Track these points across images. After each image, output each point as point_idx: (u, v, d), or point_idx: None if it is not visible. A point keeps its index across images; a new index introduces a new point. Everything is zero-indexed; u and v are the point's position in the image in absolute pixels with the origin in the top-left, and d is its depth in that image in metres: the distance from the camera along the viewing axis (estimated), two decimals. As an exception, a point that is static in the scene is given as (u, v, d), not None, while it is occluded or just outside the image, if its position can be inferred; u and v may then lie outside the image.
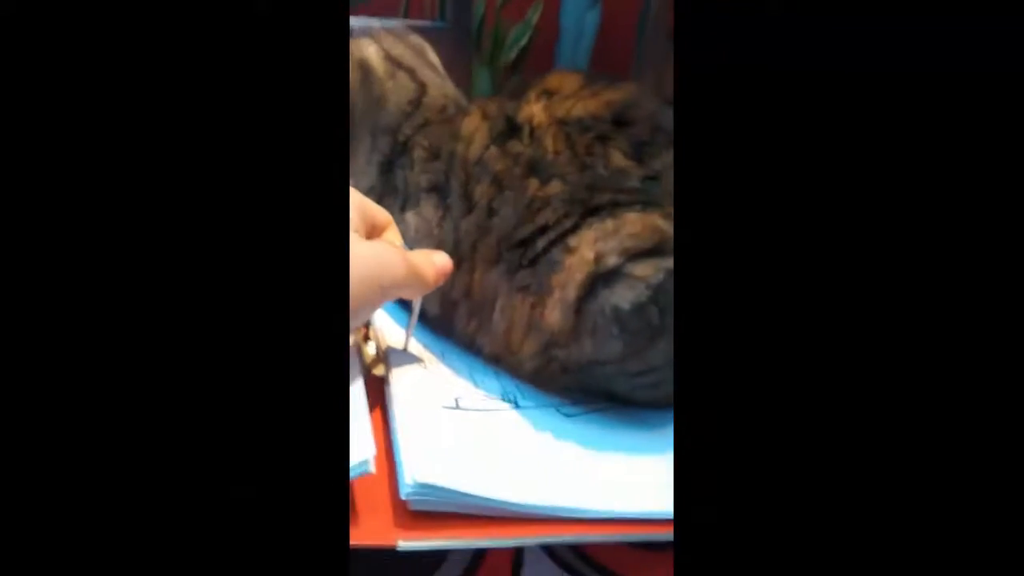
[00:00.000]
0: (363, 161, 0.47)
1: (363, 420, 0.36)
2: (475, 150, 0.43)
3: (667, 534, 0.35)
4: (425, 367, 0.44)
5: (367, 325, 0.45)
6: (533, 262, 0.41)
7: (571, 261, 0.39)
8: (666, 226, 0.38)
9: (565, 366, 0.42)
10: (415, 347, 0.46)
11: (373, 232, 0.41)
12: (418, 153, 0.45)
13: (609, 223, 0.39)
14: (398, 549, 0.33)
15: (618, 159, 0.39)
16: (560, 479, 0.37)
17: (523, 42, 1.02)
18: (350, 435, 0.34)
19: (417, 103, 0.47)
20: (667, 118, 0.41)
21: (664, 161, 0.40)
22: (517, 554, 0.38)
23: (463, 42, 0.84)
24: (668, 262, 0.38)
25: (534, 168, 0.41)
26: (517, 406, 0.43)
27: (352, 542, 0.32)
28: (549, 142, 0.41)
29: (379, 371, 0.42)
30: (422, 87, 0.47)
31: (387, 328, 0.48)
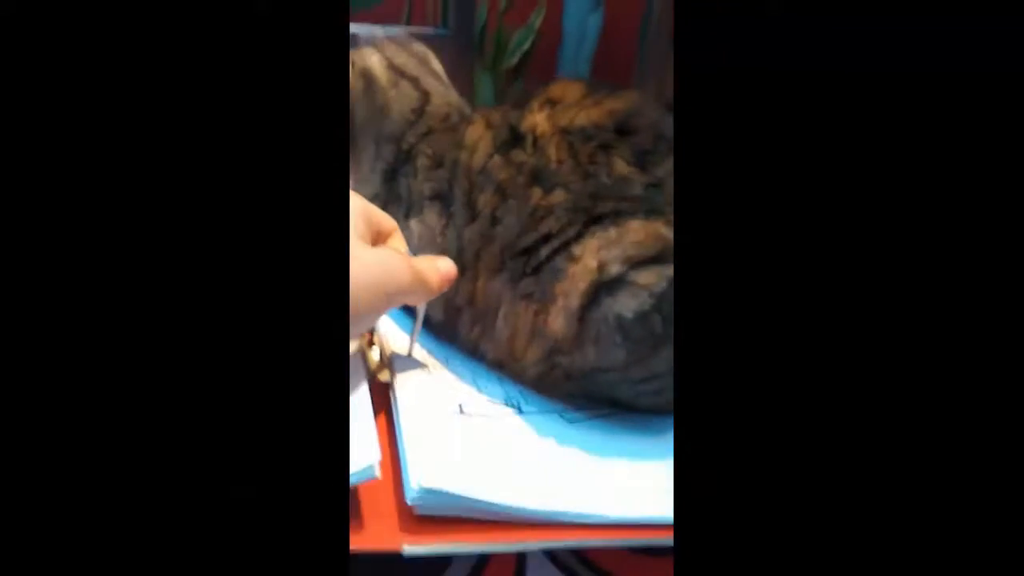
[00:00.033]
0: (367, 169, 0.48)
1: (368, 425, 0.37)
2: (479, 159, 0.43)
3: (667, 539, 0.36)
4: (429, 373, 0.45)
5: (371, 331, 0.46)
6: (536, 270, 0.41)
7: (574, 269, 0.39)
8: (669, 234, 0.39)
9: (568, 373, 0.42)
10: (419, 353, 0.47)
11: (378, 238, 0.42)
12: (422, 161, 0.46)
13: (612, 231, 0.39)
14: (403, 554, 0.33)
15: (621, 167, 0.40)
16: (563, 484, 0.37)
17: (526, 46, 1.02)
18: (356, 440, 0.35)
19: (420, 111, 0.47)
20: (669, 126, 0.41)
21: (667, 169, 0.40)
22: (520, 559, 0.38)
23: (466, 49, 0.84)
24: (671, 270, 0.38)
25: (537, 177, 0.41)
26: (520, 412, 0.43)
27: (358, 547, 0.33)
28: (552, 151, 0.41)
29: (384, 377, 0.43)
30: (425, 95, 0.48)
31: (391, 334, 0.48)
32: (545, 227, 0.41)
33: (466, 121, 0.46)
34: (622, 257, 0.38)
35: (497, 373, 0.46)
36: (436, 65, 0.51)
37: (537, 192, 0.41)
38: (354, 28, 0.48)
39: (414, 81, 0.48)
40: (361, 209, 0.40)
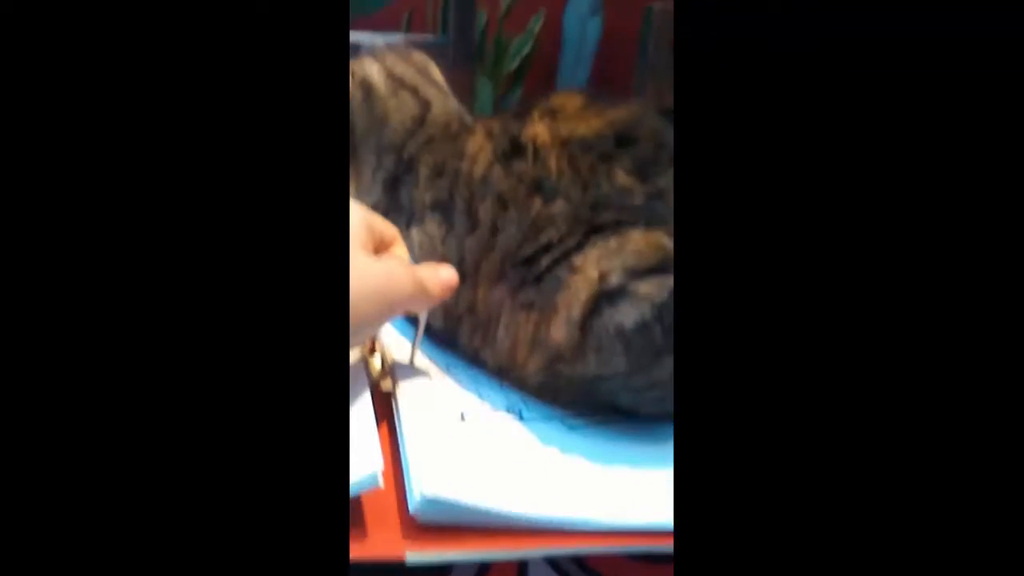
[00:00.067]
0: (369, 178, 0.48)
1: (371, 434, 0.37)
2: (479, 168, 0.44)
3: (668, 546, 0.36)
4: (431, 380, 0.45)
5: (373, 338, 0.46)
6: (537, 280, 0.41)
7: (576, 280, 0.40)
8: (670, 243, 0.39)
9: (570, 380, 0.42)
10: (420, 360, 0.47)
11: (381, 247, 0.42)
12: (423, 170, 0.46)
13: (613, 241, 0.39)
14: (406, 562, 0.33)
15: (621, 178, 0.40)
16: (565, 491, 0.37)
17: (525, 51, 1.02)
18: (359, 449, 0.35)
19: (421, 120, 0.47)
20: (670, 135, 0.42)
21: (667, 179, 0.40)
22: (522, 566, 0.38)
23: (465, 55, 0.85)
24: (672, 279, 0.38)
25: (538, 187, 0.41)
26: (522, 418, 0.43)
27: (361, 555, 0.33)
28: (553, 162, 0.41)
29: (386, 386, 0.43)
30: (426, 105, 0.48)
31: (392, 341, 0.48)
32: (546, 237, 0.41)
33: (467, 130, 0.46)
34: (622, 267, 0.39)
35: (498, 380, 0.46)
36: (436, 74, 0.51)
37: (538, 202, 0.41)
38: (354, 37, 0.48)
39: (414, 91, 0.48)
40: (363, 218, 0.40)
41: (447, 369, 0.47)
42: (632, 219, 0.40)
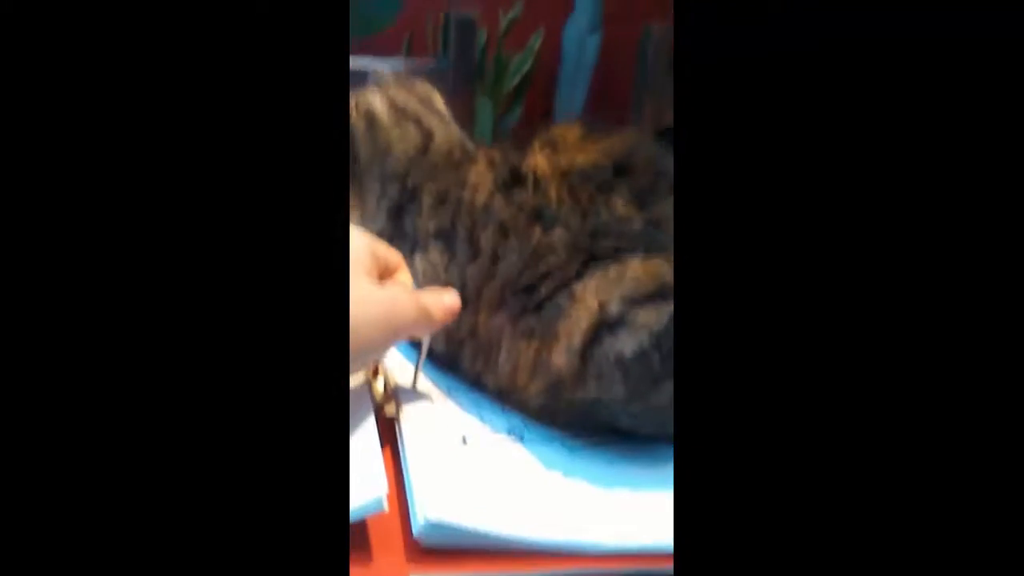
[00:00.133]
0: (373, 206, 0.49)
1: (376, 458, 0.38)
2: (481, 198, 0.45)
3: (668, 568, 0.37)
4: (433, 404, 0.46)
5: (376, 362, 0.47)
6: (538, 307, 0.42)
7: (575, 309, 0.40)
8: (668, 271, 0.40)
9: (570, 403, 0.43)
10: (423, 383, 0.48)
11: (385, 273, 0.43)
12: (426, 199, 0.47)
13: (612, 270, 0.40)
14: (411, 586, 0.34)
15: (620, 207, 0.41)
16: (566, 515, 0.38)
17: (525, 68, 1.04)
18: (364, 473, 0.36)
19: (424, 150, 0.48)
20: (666, 163, 0.43)
21: (664, 207, 0.41)
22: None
23: (466, 76, 0.86)
24: (671, 307, 0.39)
25: (538, 216, 0.42)
26: (523, 440, 0.44)
27: (367, 580, 0.34)
28: (553, 191, 0.42)
29: (390, 411, 0.44)
30: (428, 135, 0.49)
31: (395, 364, 0.49)
32: (545, 265, 0.42)
33: (469, 159, 0.47)
34: (621, 296, 0.39)
35: (499, 403, 0.47)
36: (439, 103, 0.52)
37: (538, 231, 0.42)
38: (355, 62, 0.49)
39: (416, 121, 0.49)
40: (367, 245, 0.41)
41: (449, 392, 0.48)
42: (630, 247, 0.41)
